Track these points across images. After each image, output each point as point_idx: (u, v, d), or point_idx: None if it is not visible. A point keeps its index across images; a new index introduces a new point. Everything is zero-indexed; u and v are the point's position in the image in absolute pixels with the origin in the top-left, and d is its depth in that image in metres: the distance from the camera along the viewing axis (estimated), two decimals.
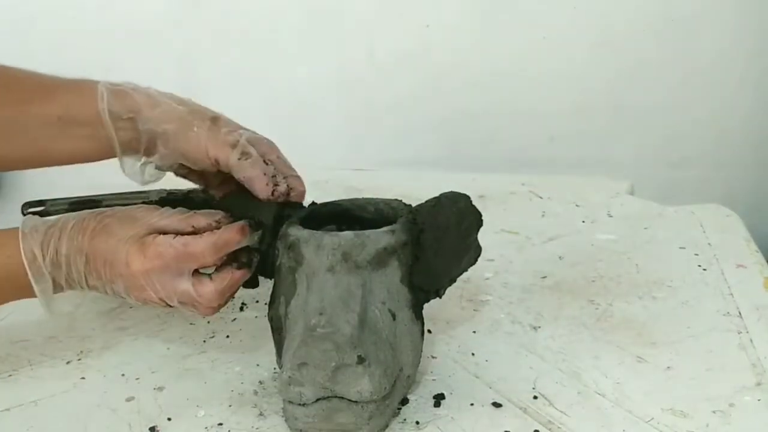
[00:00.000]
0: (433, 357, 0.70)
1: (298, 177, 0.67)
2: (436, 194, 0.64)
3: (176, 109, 0.67)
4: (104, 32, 1.46)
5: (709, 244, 0.93)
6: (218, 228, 0.61)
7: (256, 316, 0.69)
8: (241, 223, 0.62)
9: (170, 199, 0.73)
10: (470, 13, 1.47)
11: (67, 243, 0.60)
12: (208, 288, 0.61)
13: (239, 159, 0.64)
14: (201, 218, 0.62)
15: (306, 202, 0.69)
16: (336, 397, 0.56)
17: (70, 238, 0.60)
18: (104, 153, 0.69)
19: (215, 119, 0.67)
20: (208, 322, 0.78)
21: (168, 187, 0.76)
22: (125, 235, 0.60)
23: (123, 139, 0.68)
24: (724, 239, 0.94)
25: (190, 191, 0.73)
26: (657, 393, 0.63)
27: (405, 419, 0.61)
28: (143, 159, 0.69)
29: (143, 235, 0.60)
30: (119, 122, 0.67)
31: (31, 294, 0.61)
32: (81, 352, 0.73)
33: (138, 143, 0.68)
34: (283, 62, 1.51)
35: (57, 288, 0.62)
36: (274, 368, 0.68)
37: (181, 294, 0.61)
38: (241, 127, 0.68)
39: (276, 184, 0.65)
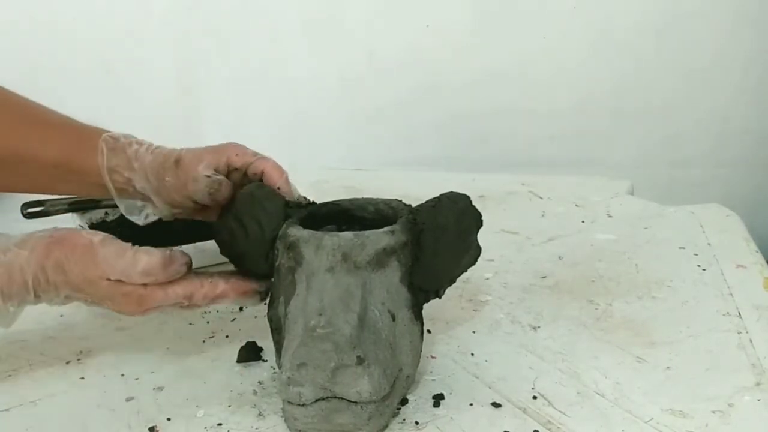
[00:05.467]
0: (432, 357, 0.70)
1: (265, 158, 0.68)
2: (436, 194, 0.64)
3: (154, 161, 0.68)
4: (104, 32, 1.46)
5: (708, 244, 0.93)
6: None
7: (255, 316, 0.69)
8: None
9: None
10: (470, 13, 1.47)
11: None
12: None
13: (210, 193, 0.66)
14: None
15: None
16: (335, 397, 0.56)
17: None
18: (102, 194, 0.71)
19: (177, 160, 0.67)
20: (208, 322, 0.78)
21: None
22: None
23: (120, 188, 0.70)
24: (723, 239, 0.94)
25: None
26: (656, 393, 0.63)
27: (404, 419, 0.61)
28: (140, 203, 0.71)
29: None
30: (115, 175, 0.69)
31: None
32: (80, 352, 0.73)
33: (134, 192, 0.70)
34: (283, 62, 1.51)
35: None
36: (274, 368, 0.68)
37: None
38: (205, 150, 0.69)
39: None
